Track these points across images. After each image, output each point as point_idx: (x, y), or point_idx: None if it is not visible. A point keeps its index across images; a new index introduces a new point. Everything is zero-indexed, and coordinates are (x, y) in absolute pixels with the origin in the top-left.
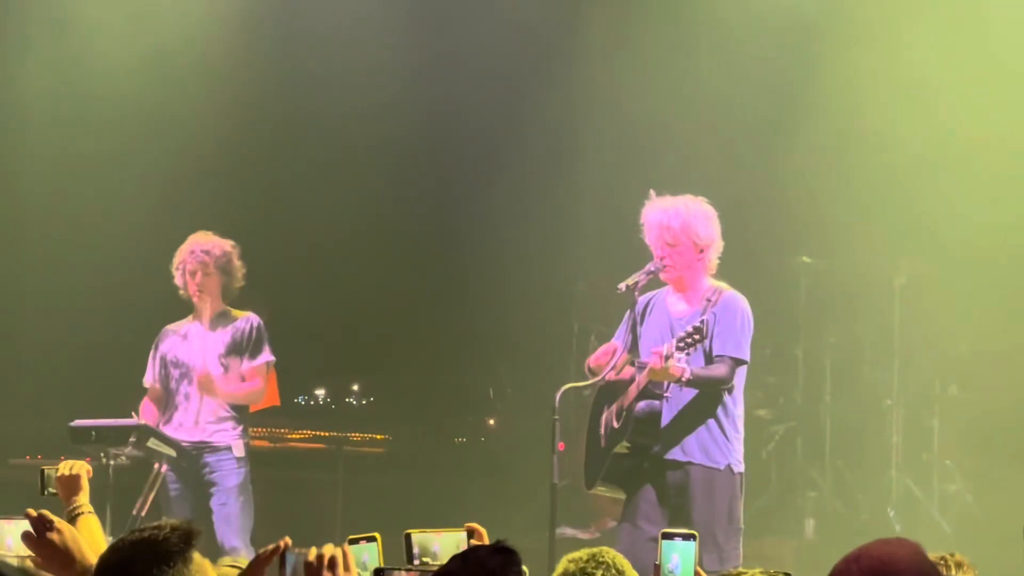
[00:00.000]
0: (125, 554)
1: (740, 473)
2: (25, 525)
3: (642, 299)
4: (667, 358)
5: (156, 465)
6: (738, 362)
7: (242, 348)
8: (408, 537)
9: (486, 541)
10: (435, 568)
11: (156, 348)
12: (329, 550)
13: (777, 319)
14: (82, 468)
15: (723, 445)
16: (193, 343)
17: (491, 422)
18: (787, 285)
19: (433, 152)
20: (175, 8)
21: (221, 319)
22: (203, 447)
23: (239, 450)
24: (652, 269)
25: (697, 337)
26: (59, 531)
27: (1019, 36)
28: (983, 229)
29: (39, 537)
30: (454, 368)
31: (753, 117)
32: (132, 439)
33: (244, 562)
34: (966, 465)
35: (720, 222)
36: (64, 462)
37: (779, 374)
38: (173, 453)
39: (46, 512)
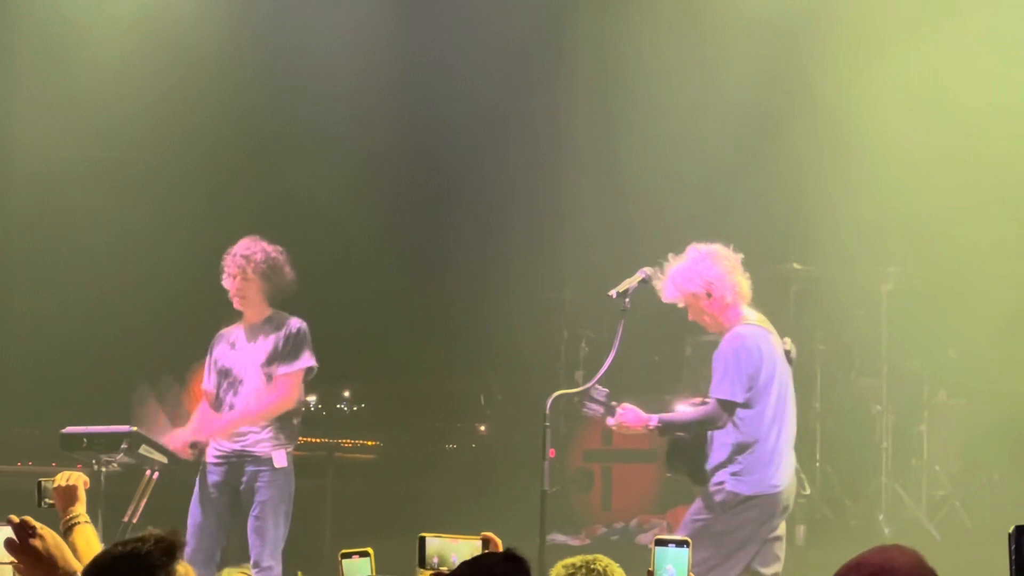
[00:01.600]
0: (107, 568)
1: (736, 494)
2: (7, 532)
3: None
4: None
5: (148, 472)
6: (720, 401)
7: (281, 355)
8: (422, 540)
9: (501, 550)
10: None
11: (211, 353)
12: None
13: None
14: (79, 479)
15: (716, 472)
16: (239, 352)
17: (481, 429)
18: (777, 291)
19: (422, 162)
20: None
21: (266, 325)
22: (245, 456)
23: (280, 460)
24: (644, 277)
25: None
26: (41, 537)
27: (1008, 43)
28: (971, 236)
29: (21, 543)
30: (445, 375)
31: (742, 124)
32: (123, 446)
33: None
34: (955, 471)
35: (708, 227)
36: (61, 473)
37: None
38: (165, 460)
39: (28, 518)
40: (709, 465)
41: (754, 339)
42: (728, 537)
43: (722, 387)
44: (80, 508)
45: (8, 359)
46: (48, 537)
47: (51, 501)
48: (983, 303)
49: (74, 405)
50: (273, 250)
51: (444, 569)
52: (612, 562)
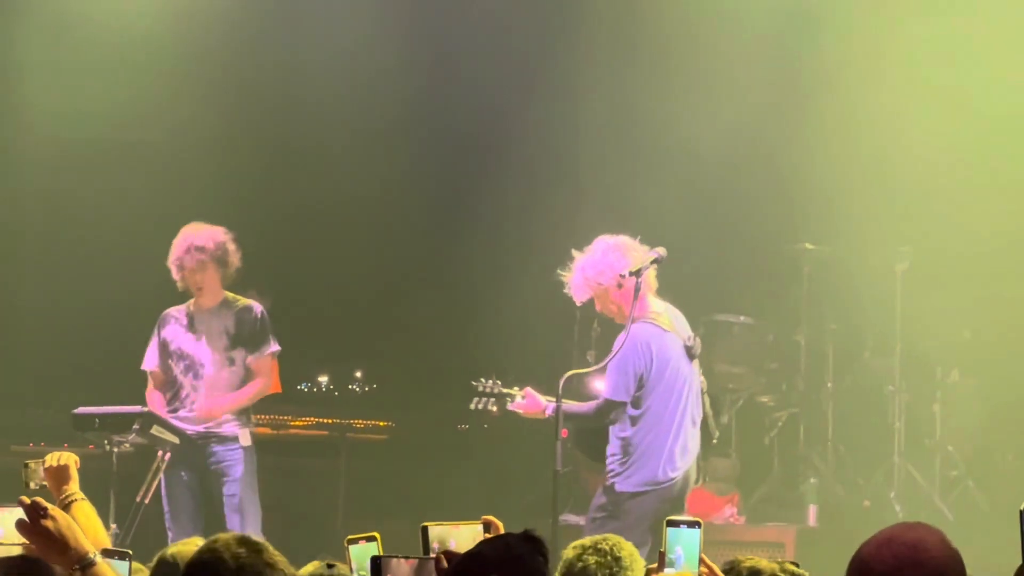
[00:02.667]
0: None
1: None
2: (19, 513)
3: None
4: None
5: (159, 452)
6: (607, 399)
7: (247, 339)
8: (425, 530)
9: (502, 533)
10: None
11: (158, 333)
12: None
13: (779, 306)
14: (70, 458)
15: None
16: (198, 336)
17: (493, 409)
18: (789, 272)
19: (436, 139)
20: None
21: (224, 308)
22: (210, 437)
23: (245, 439)
24: (656, 257)
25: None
26: (53, 518)
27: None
28: (985, 215)
29: (33, 524)
30: (457, 355)
31: (754, 104)
32: (135, 426)
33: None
34: (968, 451)
35: (722, 207)
36: (51, 454)
37: (781, 361)
38: (176, 440)
39: (40, 499)
40: (607, 452)
41: (645, 339)
42: (629, 532)
43: (609, 386)
44: (74, 486)
45: (21, 340)
46: (60, 518)
47: (43, 482)
48: (997, 282)
49: (86, 386)
50: (220, 232)
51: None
52: (621, 539)
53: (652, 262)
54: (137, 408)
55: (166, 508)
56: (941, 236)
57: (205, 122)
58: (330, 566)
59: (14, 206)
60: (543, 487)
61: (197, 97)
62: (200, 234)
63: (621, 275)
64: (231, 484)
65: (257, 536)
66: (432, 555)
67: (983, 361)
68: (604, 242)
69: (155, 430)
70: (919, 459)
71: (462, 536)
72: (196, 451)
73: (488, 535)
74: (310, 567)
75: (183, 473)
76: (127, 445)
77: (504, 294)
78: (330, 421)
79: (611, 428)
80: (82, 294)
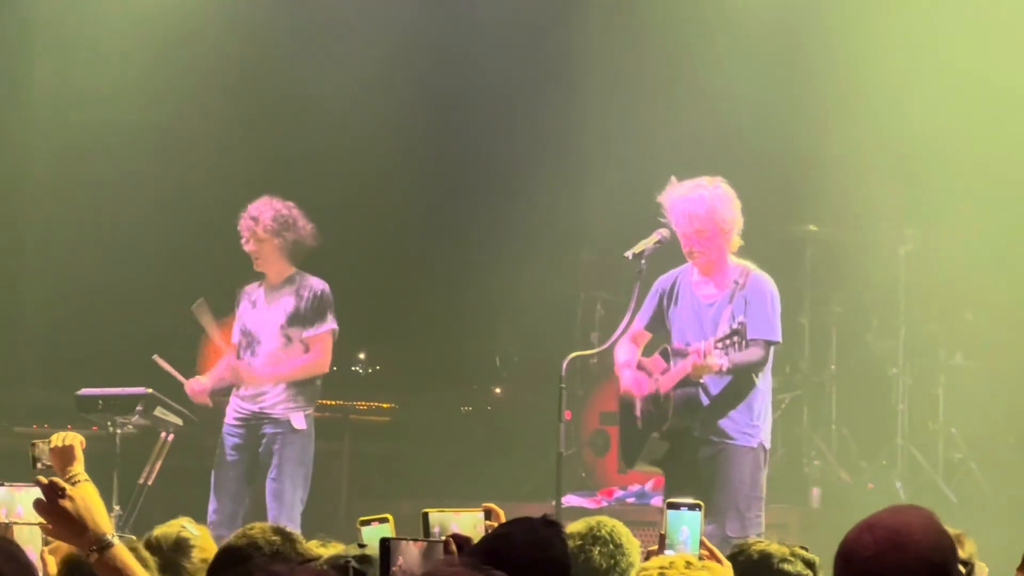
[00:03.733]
0: None
1: (767, 448)
2: (36, 493)
3: (667, 278)
4: (705, 355)
5: (163, 434)
6: (771, 344)
7: (304, 316)
8: (426, 516)
9: (503, 520)
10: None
11: (237, 308)
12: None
13: (782, 288)
14: (75, 439)
15: (757, 424)
16: (259, 311)
17: (497, 391)
18: (793, 254)
19: (440, 123)
20: None
21: (286, 286)
22: (263, 418)
23: (299, 422)
24: (660, 238)
25: (736, 339)
26: (71, 498)
27: None
28: (990, 198)
29: (51, 505)
30: (460, 337)
31: (758, 87)
32: (139, 408)
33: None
34: (971, 434)
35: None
36: (56, 434)
37: (785, 343)
38: (180, 422)
39: (58, 479)
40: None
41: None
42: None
43: (774, 329)
44: (79, 467)
45: (25, 320)
46: (78, 499)
47: (48, 463)
48: (1001, 265)
49: (90, 367)
50: (284, 207)
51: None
52: (617, 523)
53: (656, 243)
54: (141, 389)
55: (212, 484)
56: (945, 219)
57: (213, 105)
58: (361, 546)
59: (19, 187)
60: (547, 469)
61: (205, 79)
62: (260, 205)
63: (724, 228)
64: (275, 468)
65: (292, 527)
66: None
67: (987, 344)
68: (721, 187)
69: (159, 411)
70: (922, 442)
71: (463, 522)
72: (250, 432)
73: (489, 522)
74: (340, 547)
75: (234, 452)
76: (130, 426)
77: (508, 276)
78: (334, 403)
79: (759, 383)
80: (86, 275)
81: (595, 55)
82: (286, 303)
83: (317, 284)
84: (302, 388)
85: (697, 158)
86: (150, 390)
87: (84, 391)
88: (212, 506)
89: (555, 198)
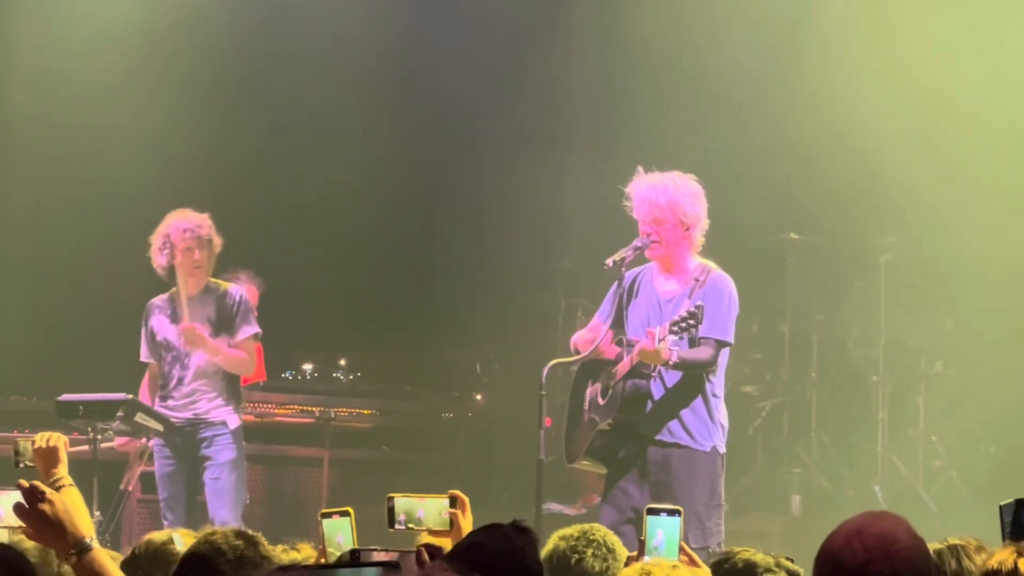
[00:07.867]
0: None
1: (722, 454)
2: (17, 496)
3: (628, 275)
4: (659, 340)
5: (143, 440)
6: (722, 344)
7: (227, 324)
8: (391, 500)
9: (468, 508)
10: (419, 532)
11: (145, 324)
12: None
13: (764, 296)
14: (59, 440)
15: (708, 427)
16: (182, 324)
17: (478, 398)
18: (774, 262)
19: (419, 129)
20: None
21: (206, 295)
22: (198, 423)
23: (234, 422)
24: (639, 245)
25: (692, 322)
26: (51, 502)
27: (1008, 14)
28: (969, 207)
29: (31, 508)
30: (441, 344)
31: (739, 94)
32: (119, 414)
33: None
34: (951, 441)
35: (707, 199)
36: (40, 434)
37: (766, 351)
38: (160, 428)
39: (38, 483)
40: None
41: (732, 288)
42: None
43: (727, 330)
44: (63, 470)
45: (5, 326)
46: (58, 502)
47: (30, 463)
48: (981, 274)
49: (71, 373)
50: (206, 219)
51: (413, 526)
52: (609, 531)
53: (634, 250)
54: (121, 395)
55: (161, 497)
56: (926, 228)
57: (192, 109)
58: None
59: None
60: (527, 475)
61: (183, 83)
62: (190, 219)
63: (685, 222)
64: (215, 468)
65: (238, 523)
66: (399, 527)
67: (967, 352)
68: (689, 181)
69: (139, 417)
70: (903, 449)
71: (428, 508)
72: (186, 440)
73: (454, 510)
74: (308, 548)
75: (174, 462)
76: (111, 432)
77: (488, 284)
78: (314, 409)
79: (712, 384)
80: (67, 281)
81: (578, 64)
82: (207, 313)
83: (235, 291)
84: (231, 390)
85: (680, 167)
86: (131, 396)
87: (64, 397)
88: (167, 519)
89: (536, 206)
